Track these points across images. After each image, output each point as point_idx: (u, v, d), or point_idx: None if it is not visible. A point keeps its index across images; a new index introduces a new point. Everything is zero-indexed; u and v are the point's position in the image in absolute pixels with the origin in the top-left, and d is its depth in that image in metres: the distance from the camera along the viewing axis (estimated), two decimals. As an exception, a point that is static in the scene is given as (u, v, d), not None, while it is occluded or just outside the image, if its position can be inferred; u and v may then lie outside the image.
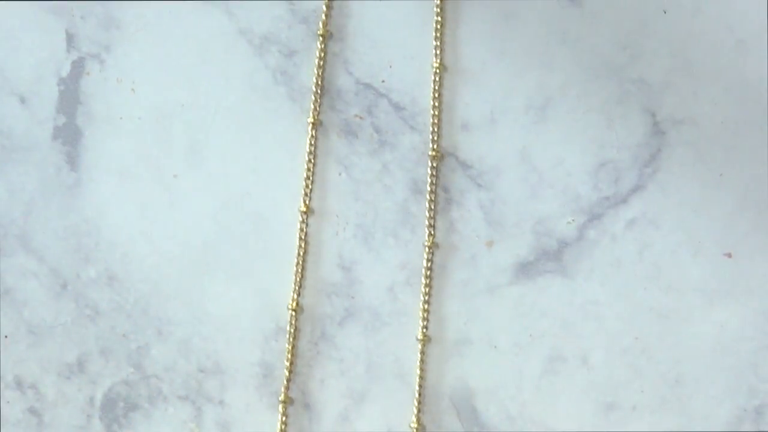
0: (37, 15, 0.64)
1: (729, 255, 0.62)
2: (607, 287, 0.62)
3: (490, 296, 0.63)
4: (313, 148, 0.62)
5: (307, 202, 0.62)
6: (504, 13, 0.62)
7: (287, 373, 0.62)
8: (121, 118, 0.64)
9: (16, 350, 0.64)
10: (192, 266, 0.63)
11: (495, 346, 0.63)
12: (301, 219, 0.62)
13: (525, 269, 0.63)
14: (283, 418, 0.62)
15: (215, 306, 0.63)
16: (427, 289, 0.62)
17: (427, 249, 0.62)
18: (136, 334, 0.64)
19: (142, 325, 0.64)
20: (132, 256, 0.63)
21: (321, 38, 0.62)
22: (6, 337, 0.64)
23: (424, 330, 0.62)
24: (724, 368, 0.62)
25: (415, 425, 0.62)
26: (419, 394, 0.62)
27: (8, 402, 0.64)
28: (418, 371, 0.62)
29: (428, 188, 0.62)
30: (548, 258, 0.63)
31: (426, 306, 0.62)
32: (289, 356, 0.62)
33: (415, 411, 0.62)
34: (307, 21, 0.63)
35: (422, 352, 0.62)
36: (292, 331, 0.63)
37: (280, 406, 0.62)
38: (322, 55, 0.62)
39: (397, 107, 0.63)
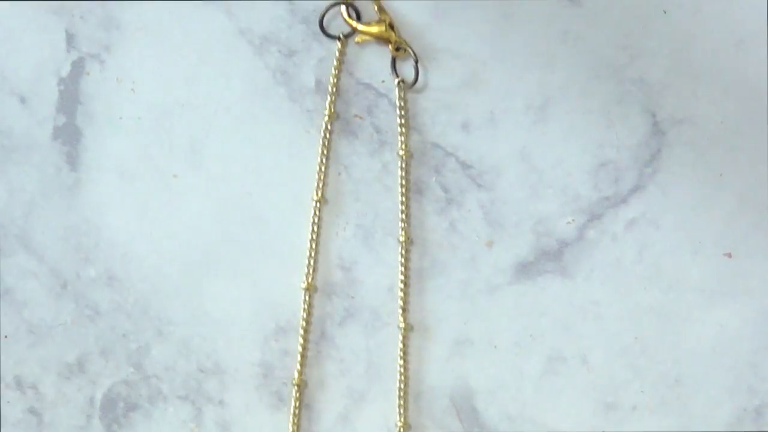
0: (37, 15, 0.64)
1: (729, 255, 0.62)
2: (607, 287, 0.62)
3: (490, 296, 0.63)
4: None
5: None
6: (504, 13, 0.62)
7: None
8: (121, 118, 0.64)
9: (16, 350, 0.64)
10: (192, 266, 0.63)
11: (495, 346, 0.63)
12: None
13: (525, 269, 0.63)
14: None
15: (215, 306, 0.63)
16: (403, 366, 0.62)
17: (402, 333, 0.62)
18: (136, 334, 0.64)
19: (142, 325, 0.64)
20: (132, 256, 0.63)
21: (332, 94, 0.62)
22: (6, 337, 0.64)
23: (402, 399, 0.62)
24: (724, 368, 0.62)
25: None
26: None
27: (8, 402, 0.64)
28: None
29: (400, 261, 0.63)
30: (548, 258, 0.63)
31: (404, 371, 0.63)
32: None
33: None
34: (307, 21, 0.63)
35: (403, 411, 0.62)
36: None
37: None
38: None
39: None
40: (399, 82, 0.62)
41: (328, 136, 0.62)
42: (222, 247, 0.63)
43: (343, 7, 0.62)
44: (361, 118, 0.63)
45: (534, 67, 0.62)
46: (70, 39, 0.64)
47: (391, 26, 0.61)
